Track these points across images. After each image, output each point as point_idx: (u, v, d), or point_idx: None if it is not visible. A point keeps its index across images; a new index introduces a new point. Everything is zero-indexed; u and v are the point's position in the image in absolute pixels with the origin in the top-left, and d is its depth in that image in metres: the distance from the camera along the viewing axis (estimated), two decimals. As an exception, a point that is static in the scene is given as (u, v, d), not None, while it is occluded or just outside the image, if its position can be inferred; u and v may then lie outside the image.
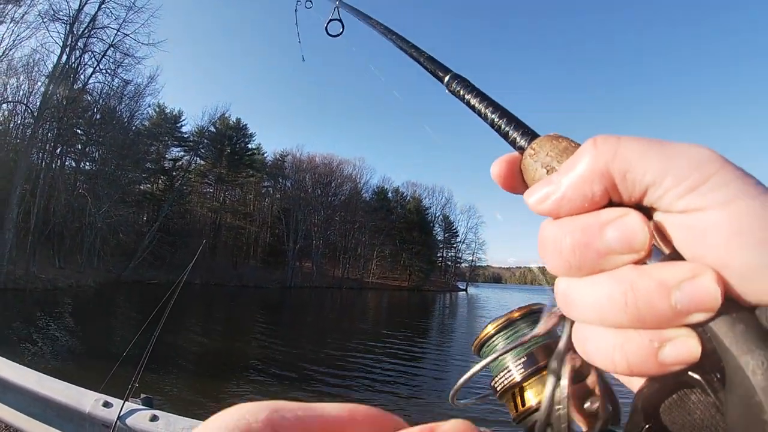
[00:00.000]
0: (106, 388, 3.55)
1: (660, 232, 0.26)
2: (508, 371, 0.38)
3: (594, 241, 0.25)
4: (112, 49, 33.76)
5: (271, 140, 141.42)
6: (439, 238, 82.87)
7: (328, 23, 1.11)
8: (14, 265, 26.73)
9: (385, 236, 69.04)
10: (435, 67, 0.50)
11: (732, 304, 0.23)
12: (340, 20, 1.10)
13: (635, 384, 0.29)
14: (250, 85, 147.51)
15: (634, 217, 0.25)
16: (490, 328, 0.41)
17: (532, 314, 0.40)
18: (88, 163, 39.95)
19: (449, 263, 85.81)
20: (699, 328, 0.23)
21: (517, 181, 0.33)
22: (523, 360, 0.37)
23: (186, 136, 54.98)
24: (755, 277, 0.22)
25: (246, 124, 61.47)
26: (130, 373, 3.37)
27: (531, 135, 0.34)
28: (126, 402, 3.27)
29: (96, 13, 32.08)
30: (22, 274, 26.86)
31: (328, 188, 64.48)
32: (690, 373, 0.24)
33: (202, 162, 57.30)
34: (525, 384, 0.37)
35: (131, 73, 37.97)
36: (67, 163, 37.91)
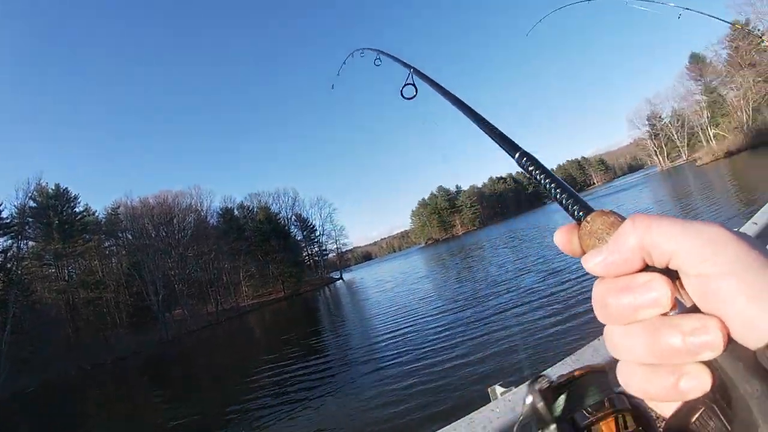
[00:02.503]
0: None
1: (683, 289, 0.34)
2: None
3: (629, 299, 0.34)
4: None
5: (98, 196, 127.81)
6: (298, 238, 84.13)
7: (403, 87, 1.18)
8: None
9: (245, 255, 68.01)
10: (506, 144, 0.56)
11: (737, 347, 0.30)
12: (414, 84, 1.17)
13: (664, 410, 0.37)
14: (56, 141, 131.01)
15: (660, 281, 0.33)
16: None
17: (594, 373, 0.52)
18: None
19: (317, 258, 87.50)
20: (713, 365, 0.31)
21: (574, 246, 0.42)
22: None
23: (7, 221, 47.48)
24: (752, 326, 0.29)
25: (67, 188, 55.43)
26: None
27: (586, 209, 0.42)
28: None
29: None
30: None
31: (171, 226, 60.90)
32: (708, 401, 0.32)
33: (34, 243, 50.76)
34: None
35: None
36: None
